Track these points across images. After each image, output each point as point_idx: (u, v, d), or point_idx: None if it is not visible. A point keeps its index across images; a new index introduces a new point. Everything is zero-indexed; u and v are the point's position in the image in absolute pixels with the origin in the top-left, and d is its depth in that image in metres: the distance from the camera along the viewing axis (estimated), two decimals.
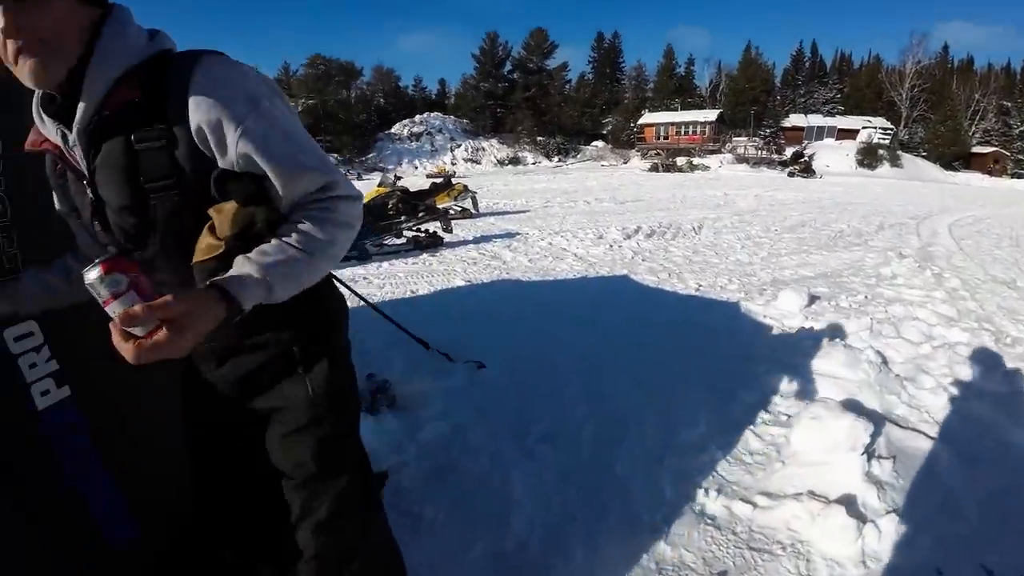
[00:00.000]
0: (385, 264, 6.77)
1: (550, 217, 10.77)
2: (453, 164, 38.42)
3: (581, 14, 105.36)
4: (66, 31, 0.83)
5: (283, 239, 0.86)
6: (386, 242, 7.65)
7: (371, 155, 40.13)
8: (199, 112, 0.84)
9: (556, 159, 42.16)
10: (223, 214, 0.86)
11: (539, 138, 43.26)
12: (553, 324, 3.92)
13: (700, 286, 5.12)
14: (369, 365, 3.26)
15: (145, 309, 0.70)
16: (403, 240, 7.81)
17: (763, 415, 2.60)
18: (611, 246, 7.32)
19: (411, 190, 9.62)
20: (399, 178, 10.95)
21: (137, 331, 0.71)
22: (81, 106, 0.86)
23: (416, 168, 37.45)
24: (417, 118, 44.30)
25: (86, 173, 0.91)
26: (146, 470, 1.49)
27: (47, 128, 0.92)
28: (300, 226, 0.88)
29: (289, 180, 0.89)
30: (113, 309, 0.71)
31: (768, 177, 26.09)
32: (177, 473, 1.38)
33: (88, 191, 0.92)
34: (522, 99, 45.15)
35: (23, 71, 0.83)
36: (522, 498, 1.97)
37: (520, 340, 3.61)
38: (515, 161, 41.17)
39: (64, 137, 0.91)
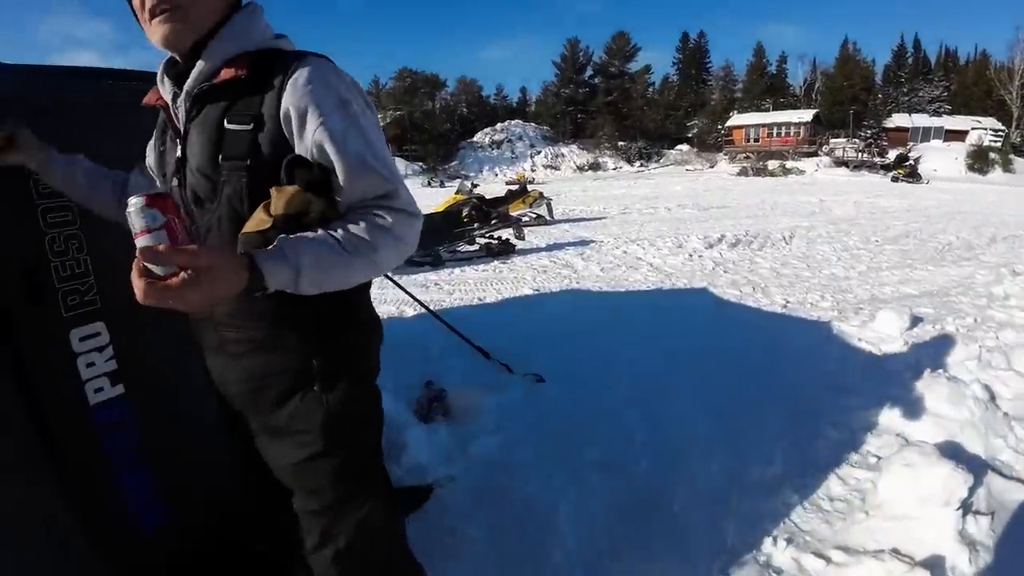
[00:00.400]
0: (457, 270, 6.86)
1: (627, 224, 10.48)
2: (532, 170, 38.57)
3: (664, 15, 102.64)
4: (202, 4, 0.93)
5: (330, 231, 0.86)
6: (459, 248, 7.76)
7: (454, 163, 41.22)
8: (291, 97, 0.89)
9: (637, 164, 41.25)
10: (282, 193, 0.87)
11: (620, 143, 42.54)
12: (620, 339, 3.75)
13: (788, 302, 4.72)
14: (429, 372, 3.27)
15: (168, 249, 0.70)
16: (476, 247, 7.89)
17: (849, 456, 2.32)
18: (691, 256, 6.97)
19: (487, 197, 9.71)
20: (476, 185, 11.11)
21: (157, 270, 0.70)
22: (195, 71, 0.94)
23: (496, 175, 38.01)
24: (498, 126, 45.00)
25: (182, 131, 0.98)
26: (187, 463, 1.54)
27: (164, 87, 1.01)
28: (349, 225, 0.87)
29: (353, 177, 0.89)
30: (141, 242, 0.72)
31: (869, 182, 23.94)
32: (216, 466, 1.42)
33: (179, 148, 0.99)
34: (603, 104, 44.64)
35: (156, 31, 0.92)
36: (566, 528, 1.85)
37: (583, 354, 3.48)
38: (595, 167, 40.72)
39: (175, 97, 0.99)
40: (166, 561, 1.51)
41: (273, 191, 0.88)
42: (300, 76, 0.90)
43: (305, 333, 1.00)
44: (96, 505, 1.38)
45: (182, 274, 0.70)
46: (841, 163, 33.60)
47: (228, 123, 0.92)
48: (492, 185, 24.44)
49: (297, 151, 0.91)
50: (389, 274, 6.22)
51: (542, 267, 6.70)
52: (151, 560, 1.47)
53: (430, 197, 17.38)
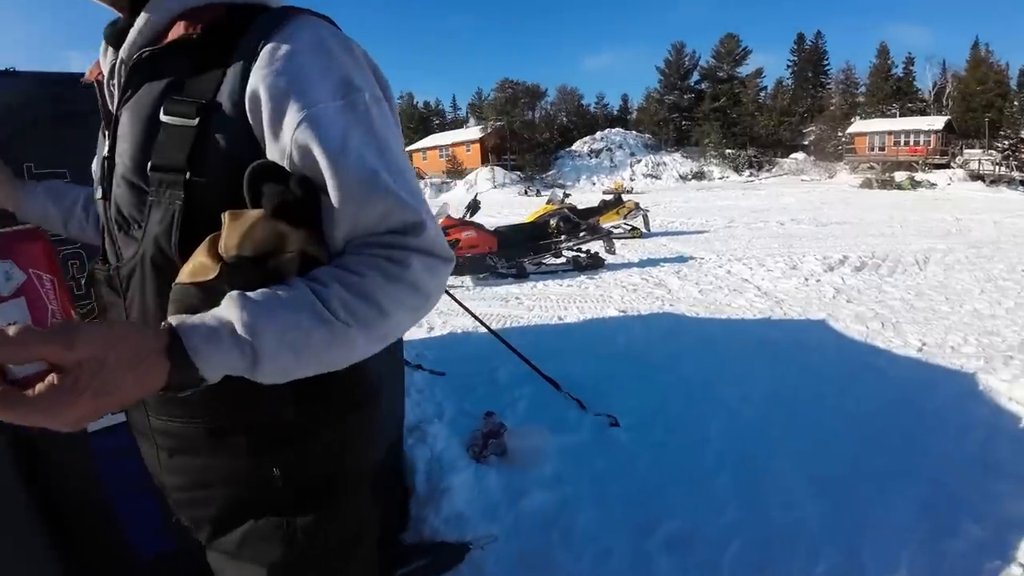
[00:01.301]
0: (540, 284, 6.59)
1: (733, 239, 9.63)
2: (632, 179, 37.56)
3: (777, 16, 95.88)
4: None
5: (313, 285, 0.55)
6: (545, 261, 7.50)
7: (551, 172, 41.17)
8: (262, 71, 0.58)
9: (747, 173, 38.74)
10: (238, 222, 0.57)
11: (728, 151, 40.22)
12: (715, 377, 3.26)
13: (923, 344, 3.90)
14: (492, 400, 3.02)
15: (23, 336, 0.41)
16: (563, 260, 7.58)
17: (995, 563, 1.74)
18: (807, 280, 6.13)
19: (579, 207, 9.38)
20: (567, 195, 10.81)
21: (12, 369, 0.42)
22: (134, 29, 0.65)
23: (594, 184, 37.39)
24: (598, 134, 44.36)
25: (112, 118, 0.68)
26: None
27: (105, 56, 0.72)
28: (344, 275, 0.56)
29: (355, 200, 0.58)
30: None
31: (1008, 199, 20.28)
32: None
33: (107, 144, 0.69)
34: (710, 110, 42.44)
35: None
36: None
37: (669, 394, 3.05)
38: (699, 176, 38.82)
39: (112, 69, 0.70)
40: None
41: (225, 218, 0.57)
42: (281, 41, 0.60)
43: (262, 430, 0.68)
44: (95, 531, 1.29)
45: (50, 376, 0.42)
46: (977, 176, 29.20)
47: (164, 112, 0.61)
48: (589, 195, 23.94)
49: (269, 156, 0.60)
50: (451, 284, 6.16)
51: (632, 285, 6.24)
52: None
53: (525, 206, 17.36)
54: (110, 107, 0.71)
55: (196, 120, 0.60)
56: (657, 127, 44.45)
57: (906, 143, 35.68)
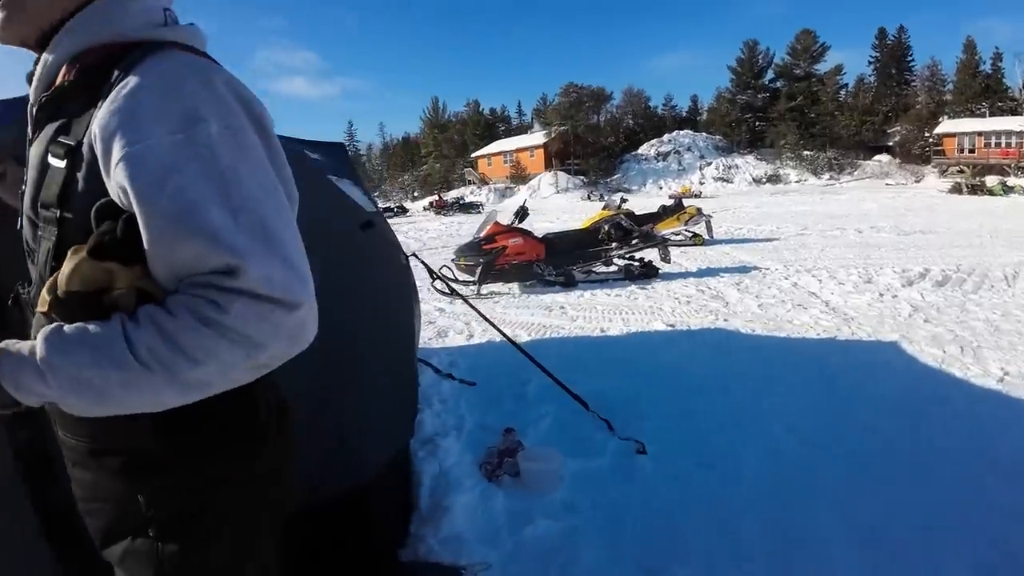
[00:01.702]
0: (588, 293, 6.41)
1: (804, 248, 9.01)
2: (701, 183, 36.34)
3: (855, 10, 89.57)
4: None
5: (128, 325, 0.57)
6: (595, 269, 7.31)
7: (616, 176, 40.54)
8: (103, 114, 0.61)
9: (826, 176, 36.50)
10: (71, 260, 0.61)
11: (805, 152, 38.03)
12: (761, 404, 3.00)
13: (1005, 374, 3.38)
14: (516, 416, 2.92)
15: None
16: (613, 268, 7.35)
17: None
18: (881, 295, 5.58)
19: (637, 213, 9.09)
20: (624, 200, 10.55)
21: None
22: (36, 72, 0.72)
23: (660, 188, 36.51)
24: (665, 137, 43.22)
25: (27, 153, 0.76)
26: None
27: (30, 91, 0.77)
28: (161, 317, 0.56)
29: (167, 239, 0.58)
30: None
31: None
32: None
33: (23, 176, 0.76)
34: (785, 109, 40.26)
35: None
36: None
37: (706, 420, 2.82)
38: (774, 179, 36.98)
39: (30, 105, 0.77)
40: None
41: (68, 254, 0.62)
42: (130, 79, 0.62)
43: (131, 455, 0.69)
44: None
45: None
46: None
47: (49, 154, 0.67)
48: (655, 199, 23.32)
49: (110, 193, 0.63)
50: (470, 290, 6.06)
51: (686, 296, 5.93)
52: None
53: (586, 212, 17.09)
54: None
55: (64, 161, 0.65)
56: (729, 128, 42.71)
57: (997, 145, 32.56)
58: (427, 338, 4.79)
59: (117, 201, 0.62)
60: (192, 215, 0.57)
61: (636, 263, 7.18)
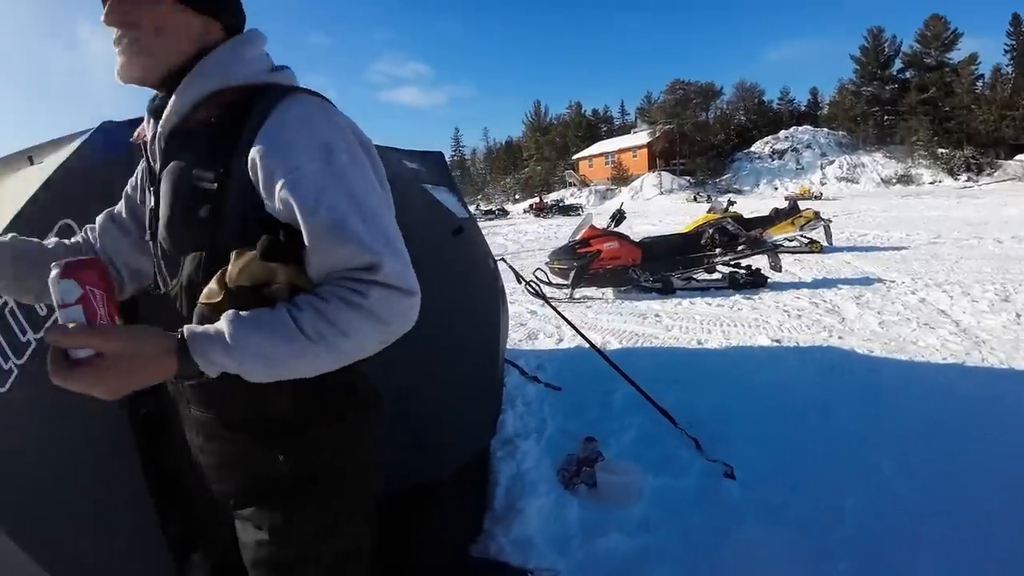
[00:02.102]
0: (686, 301, 6.15)
1: (935, 259, 7.99)
2: (823, 183, 33.51)
3: None
4: (161, 31, 0.81)
5: (290, 309, 0.71)
6: (696, 276, 6.98)
7: (725, 176, 38.52)
8: (261, 144, 0.76)
9: (964, 177, 32.08)
10: (239, 260, 0.75)
11: (940, 150, 33.66)
12: (870, 435, 2.70)
13: None
14: (599, 425, 2.88)
15: (76, 330, 0.63)
16: (717, 276, 6.99)
17: None
18: (1019, 316, 4.80)
19: (746, 216, 8.57)
20: (732, 203, 10.00)
21: (73, 352, 0.63)
22: (168, 109, 0.83)
23: (776, 189, 34.21)
24: (781, 134, 40.32)
25: (157, 177, 0.88)
26: None
27: (148, 124, 0.91)
28: (317, 302, 0.72)
29: (324, 246, 0.74)
30: (57, 319, 0.64)
31: None
32: None
33: (152, 197, 0.89)
34: (917, 102, 35.86)
35: (117, 63, 0.83)
36: None
37: (806, 448, 2.60)
38: (905, 179, 33.16)
39: (154, 136, 0.88)
40: None
41: (233, 254, 0.75)
42: (275, 117, 0.76)
43: (267, 422, 0.85)
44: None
45: (97, 359, 0.62)
46: None
47: (195, 177, 0.80)
48: (769, 200, 21.87)
49: (268, 210, 0.77)
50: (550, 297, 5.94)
51: (796, 309, 5.49)
52: None
53: (691, 214, 16.39)
54: (154, 168, 0.88)
55: (215, 184, 0.79)
56: (853, 123, 38.90)
57: None
58: (516, 340, 4.85)
59: (274, 214, 0.77)
60: (343, 226, 0.73)
61: (742, 271, 6.76)
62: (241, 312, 0.71)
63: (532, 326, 5.28)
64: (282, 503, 0.86)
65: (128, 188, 1.03)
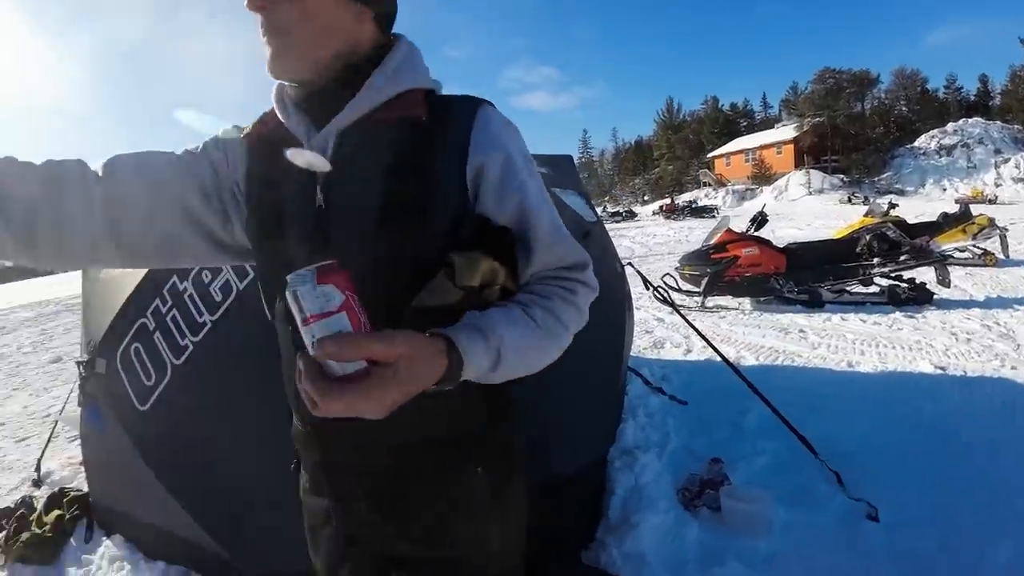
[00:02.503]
0: (836, 317, 5.57)
1: None
2: (997, 184, 28.48)
3: None
4: (311, 28, 0.73)
5: (521, 307, 0.73)
6: (850, 288, 6.27)
7: (885, 174, 34.19)
8: (485, 149, 0.75)
9: None
10: (471, 261, 0.70)
11: None
12: None
13: None
14: (727, 447, 2.74)
15: (358, 340, 0.55)
16: (874, 289, 6.23)
17: None
18: None
19: (909, 222, 7.56)
20: (894, 206, 8.85)
21: (335, 368, 0.55)
22: (353, 105, 0.76)
23: (944, 190, 29.76)
24: (949, 127, 34.78)
25: (320, 179, 0.76)
26: None
27: (290, 116, 0.80)
28: (539, 298, 0.75)
29: (548, 246, 0.78)
30: (313, 332, 0.54)
31: None
32: None
33: (319, 197, 0.76)
34: None
35: (266, 56, 0.75)
36: None
37: (966, 498, 2.22)
38: None
39: (308, 131, 0.79)
40: None
41: (455, 257, 0.70)
42: (489, 126, 0.76)
43: (468, 437, 0.82)
44: None
45: (376, 370, 0.55)
46: None
47: (394, 177, 0.74)
48: (936, 203, 19.06)
49: (489, 212, 0.76)
50: (683, 305, 5.49)
51: (965, 332, 4.72)
52: None
53: (845, 217, 14.76)
54: (311, 164, 0.75)
55: (426, 183, 0.74)
56: None
57: None
58: (641, 347, 4.74)
59: (501, 217, 0.76)
60: (560, 227, 0.79)
61: (904, 284, 5.93)
62: (479, 312, 0.69)
63: (659, 334, 5.12)
64: (481, 515, 0.83)
65: (209, 174, 0.83)
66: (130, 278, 2.12)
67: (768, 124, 48.62)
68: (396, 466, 0.80)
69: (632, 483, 2.25)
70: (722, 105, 53.84)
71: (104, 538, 2.44)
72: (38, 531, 2.57)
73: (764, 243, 6.65)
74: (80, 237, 0.74)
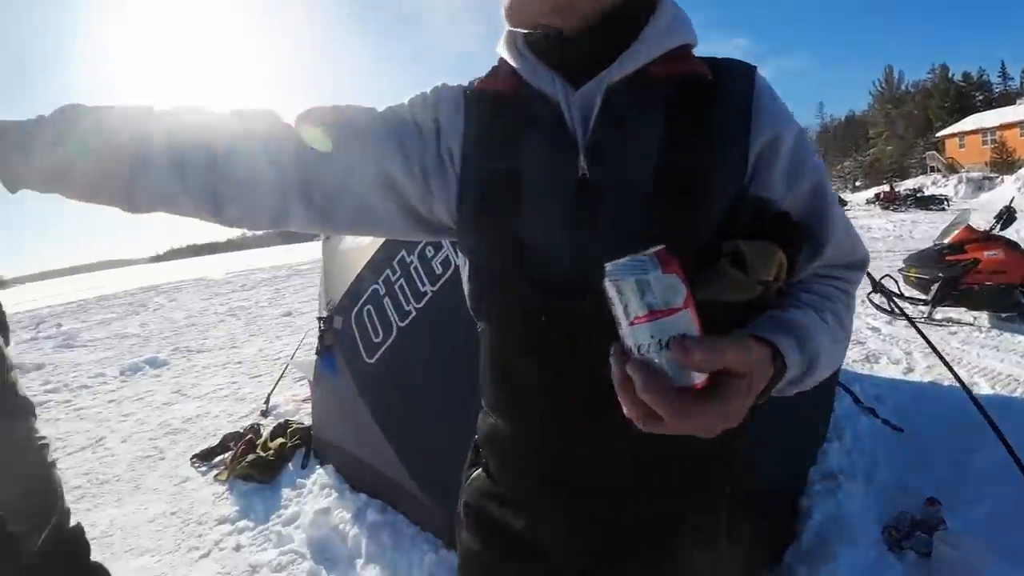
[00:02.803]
0: None
1: None
2: None
3: None
4: None
5: (815, 310, 0.65)
6: None
7: None
8: (773, 122, 0.65)
9: None
10: (768, 253, 0.60)
11: None
12: None
13: None
14: (944, 487, 2.35)
15: (714, 345, 0.45)
16: None
17: None
18: None
19: None
20: None
21: (678, 377, 0.44)
22: (627, 57, 0.64)
23: None
24: None
25: (585, 141, 0.64)
26: None
27: (539, 75, 0.67)
28: (829, 302, 0.67)
29: (843, 238, 0.70)
30: (649, 333, 0.44)
31: None
32: None
33: (581, 165, 0.64)
34: None
35: None
36: None
37: None
38: None
39: (564, 89, 0.66)
40: None
41: (743, 245, 0.59)
42: (772, 95, 0.67)
43: (713, 455, 0.72)
44: None
45: (732, 381, 0.47)
46: None
47: (676, 142, 0.63)
48: None
49: (775, 194, 0.66)
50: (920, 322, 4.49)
51: None
52: None
53: None
54: (571, 128, 0.65)
55: (715, 155, 0.63)
56: None
57: None
58: (851, 359, 4.22)
59: (790, 204, 0.67)
60: (849, 221, 0.71)
61: None
62: (782, 312, 0.62)
63: (872, 346, 4.52)
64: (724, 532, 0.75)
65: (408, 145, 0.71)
66: (366, 250, 2.49)
67: (1008, 99, 39.32)
68: (649, 496, 0.71)
69: (832, 511, 2.06)
70: (953, 75, 44.77)
71: (318, 467, 2.91)
72: (262, 454, 3.11)
73: (1012, 246, 5.40)
74: (268, 198, 0.67)
